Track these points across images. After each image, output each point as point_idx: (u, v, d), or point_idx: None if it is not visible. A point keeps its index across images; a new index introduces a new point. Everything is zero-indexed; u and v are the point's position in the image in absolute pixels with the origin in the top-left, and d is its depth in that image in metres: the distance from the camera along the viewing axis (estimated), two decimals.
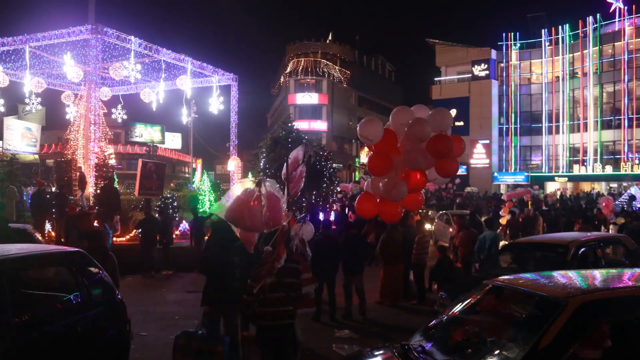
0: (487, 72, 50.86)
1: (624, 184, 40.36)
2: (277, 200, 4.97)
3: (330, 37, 60.57)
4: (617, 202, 25.46)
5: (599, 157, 44.30)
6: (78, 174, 15.42)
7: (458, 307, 4.40)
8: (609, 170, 43.09)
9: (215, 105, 20.79)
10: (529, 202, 21.52)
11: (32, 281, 5.61)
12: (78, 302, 5.37)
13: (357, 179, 53.01)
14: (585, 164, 45.44)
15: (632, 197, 26.98)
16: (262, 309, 5.14)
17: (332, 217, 16.20)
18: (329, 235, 9.73)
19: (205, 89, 21.85)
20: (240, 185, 4.93)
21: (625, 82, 42.84)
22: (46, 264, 5.61)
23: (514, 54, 50.59)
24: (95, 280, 5.68)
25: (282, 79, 61.98)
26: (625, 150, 42.69)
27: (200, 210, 16.31)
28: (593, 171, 44.29)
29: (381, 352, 4.36)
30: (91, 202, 15.16)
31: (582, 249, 7.88)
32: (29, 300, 5.21)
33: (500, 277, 4.54)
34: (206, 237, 11.08)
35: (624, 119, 42.80)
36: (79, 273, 5.48)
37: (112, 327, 5.65)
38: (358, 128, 6.44)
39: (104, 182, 15.55)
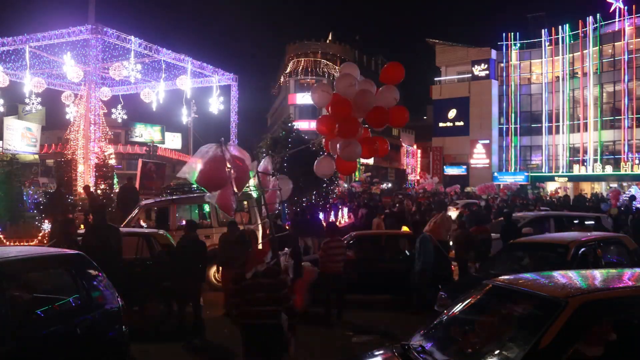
0: (487, 72, 50.86)
1: (624, 184, 40.37)
2: (243, 159, 5.01)
3: (330, 37, 60.63)
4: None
5: (599, 157, 44.30)
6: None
7: (458, 307, 4.40)
8: (609, 170, 43.09)
9: (215, 105, 20.80)
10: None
11: (32, 283, 5.60)
12: (77, 305, 5.37)
13: (356, 179, 53.01)
14: (585, 164, 45.44)
15: (632, 197, 26.95)
16: (246, 308, 5.23)
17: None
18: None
19: (205, 89, 21.87)
20: (203, 150, 4.93)
21: (625, 82, 42.84)
22: (46, 267, 5.60)
23: (514, 54, 50.60)
24: (94, 282, 5.68)
25: (282, 79, 62.03)
26: (626, 150, 42.69)
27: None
28: (593, 171, 44.29)
29: (381, 352, 4.36)
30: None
31: (582, 249, 7.88)
32: (29, 302, 5.20)
33: (500, 277, 4.54)
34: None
35: (624, 119, 42.81)
36: (79, 275, 5.47)
37: (111, 329, 5.65)
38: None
39: (125, 182, 15.53)
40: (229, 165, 4.96)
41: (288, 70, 58.40)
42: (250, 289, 5.21)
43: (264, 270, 5.26)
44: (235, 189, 5.16)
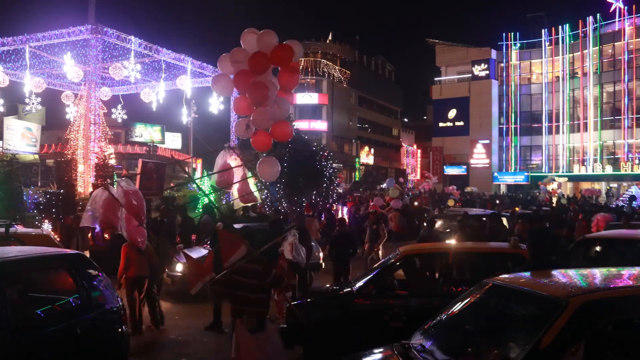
0: (487, 72, 50.86)
1: (624, 184, 40.39)
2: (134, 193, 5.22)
3: (330, 37, 60.61)
4: (617, 202, 25.50)
5: (599, 157, 44.30)
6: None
7: (458, 306, 4.39)
8: (609, 170, 43.09)
9: (215, 105, 20.79)
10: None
11: (32, 283, 5.59)
12: (77, 305, 5.36)
13: (357, 178, 52.98)
14: (585, 164, 45.45)
15: (632, 197, 26.97)
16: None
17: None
18: None
19: (205, 89, 21.85)
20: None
21: (625, 82, 42.83)
22: (46, 267, 5.60)
23: (514, 54, 50.60)
24: (94, 282, 5.68)
25: None
26: (625, 150, 42.69)
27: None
28: (593, 171, 44.29)
29: (381, 350, 4.35)
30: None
31: None
32: (29, 302, 5.20)
33: (500, 277, 4.54)
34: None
35: (624, 119, 42.80)
36: (79, 275, 5.47)
37: (111, 329, 5.64)
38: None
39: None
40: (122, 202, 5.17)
41: None
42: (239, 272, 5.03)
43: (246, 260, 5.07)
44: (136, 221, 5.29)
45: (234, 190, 6.17)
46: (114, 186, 5.07)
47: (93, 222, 4.93)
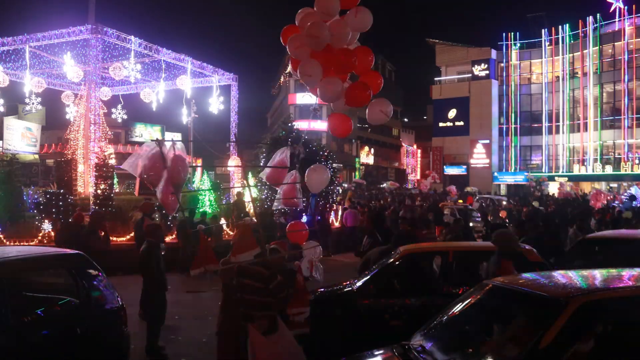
0: (487, 72, 50.85)
1: (624, 184, 40.37)
2: (183, 160, 4.95)
3: None
4: (617, 202, 25.47)
5: (599, 157, 44.31)
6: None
7: (458, 307, 4.40)
8: (609, 170, 43.11)
9: (215, 105, 20.79)
10: None
11: (32, 283, 5.60)
12: (77, 305, 5.36)
13: (357, 177, 52.99)
14: (585, 164, 45.46)
15: (632, 197, 26.93)
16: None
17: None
18: None
19: (205, 88, 21.86)
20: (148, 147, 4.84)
21: (625, 82, 42.84)
22: (46, 267, 5.60)
23: (514, 53, 50.60)
24: (94, 282, 5.68)
25: (282, 79, 62.04)
26: (625, 150, 42.70)
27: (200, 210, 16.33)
28: (593, 171, 44.30)
29: (381, 351, 4.35)
30: (91, 203, 15.14)
31: None
32: (29, 302, 5.20)
33: (500, 277, 4.54)
34: None
35: (624, 119, 42.81)
36: (79, 275, 5.47)
37: (111, 329, 5.64)
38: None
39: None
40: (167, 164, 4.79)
41: (288, 70, 58.37)
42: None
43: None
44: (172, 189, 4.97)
45: (280, 191, 6.05)
46: (167, 146, 4.81)
47: (133, 169, 4.80)
